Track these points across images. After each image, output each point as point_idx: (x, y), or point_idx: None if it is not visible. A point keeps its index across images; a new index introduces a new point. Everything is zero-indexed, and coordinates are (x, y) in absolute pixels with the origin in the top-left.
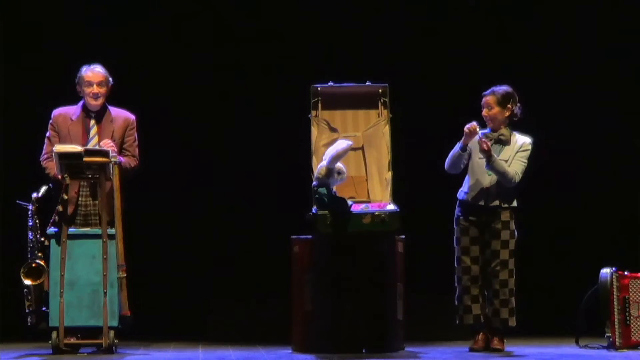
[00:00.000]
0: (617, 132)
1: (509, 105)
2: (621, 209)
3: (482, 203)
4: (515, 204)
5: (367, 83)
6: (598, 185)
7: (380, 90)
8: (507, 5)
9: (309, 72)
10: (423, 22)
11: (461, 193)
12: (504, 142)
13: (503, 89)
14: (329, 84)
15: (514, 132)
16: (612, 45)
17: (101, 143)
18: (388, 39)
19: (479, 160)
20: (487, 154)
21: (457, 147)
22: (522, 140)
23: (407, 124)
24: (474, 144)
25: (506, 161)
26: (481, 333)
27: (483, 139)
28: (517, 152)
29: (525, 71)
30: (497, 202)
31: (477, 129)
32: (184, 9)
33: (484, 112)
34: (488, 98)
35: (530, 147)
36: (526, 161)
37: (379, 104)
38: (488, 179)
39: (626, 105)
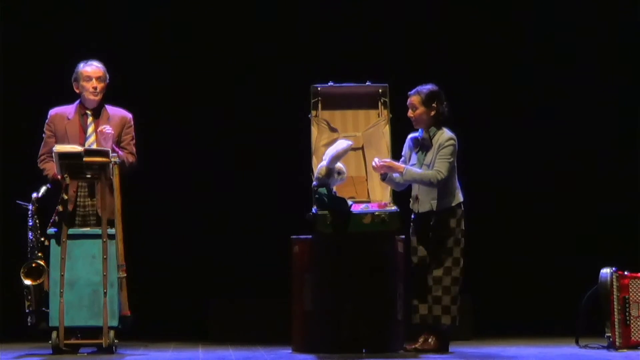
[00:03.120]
0: (617, 131)
1: (434, 105)
2: (621, 209)
3: (416, 210)
4: (453, 203)
5: (367, 83)
6: (598, 185)
7: (380, 90)
8: (507, 5)
9: (309, 72)
10: (423, 21)
11: None
12: (427, 147)
13: (428, 87)
14: (329, 84)
15: (440, 130)
16: (610, 44)
17: (98, 130)
18: (388, 39)
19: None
20: (393, 172)
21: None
22: (442, 139)
23: (407, 123)
24: (411, 148)
25: (428, 166)
26: (424, 335)
27: (377, 164)
28: (438, 150)
29: (526, 70)
30: (429, 207)
31: (378, 163)
32: (184, 9)
33: (409, 113)
34: (412, 98)
35: (450, 142)
36: (450, 157)
37: (379, 104)
38: (416, 186)
39: (626, 104)
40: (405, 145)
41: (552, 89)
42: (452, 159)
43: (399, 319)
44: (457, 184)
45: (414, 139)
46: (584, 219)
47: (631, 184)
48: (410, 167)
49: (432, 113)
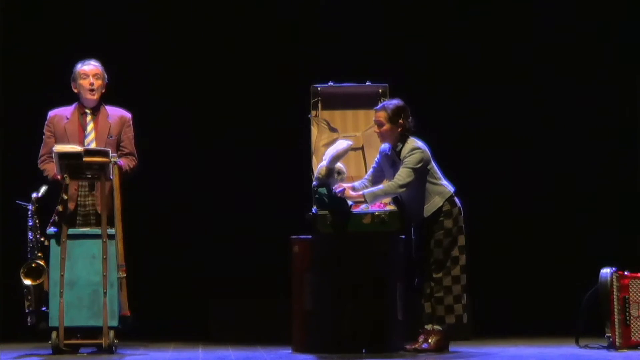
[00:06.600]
0: (617, 131)
1: (400, 121)
2: (621, 208)
3: (412, 221)
4: (440, 202)
5: (367, 83)
6: (598, 185)
7: (380, 90)
8: (505, 3)
9: (309, 72)
10: (423, 21)
11: None
12: (397, 162)
13: (394, 103)
14: (329, 84)
15: (406, 143)
16: (608, 43)
17: None
18: (388, 39)
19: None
20: (360, 199)
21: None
22: (405, 151)
23: None
24: (385, 164)
25: None
26: (424, 334)
27: (340, 192)
28: (404, 160)
29: (526, 70)
30: (421, 216)
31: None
32: (184, 9)
33: (375, 129)
34: (379, 114)
35: (414, 151)
36: (414, 164)
37: (379, 104)
38: (403, 196)
39: (625, 103)
40: (378, 156)
41: (553, 90)
42: (417, 166)
43: (399, 319)
44: (441, 182)
45: (385, 155)
46: (584, 219)
47: (631, 184)
48: (369, 190)
49: (399, 129)
